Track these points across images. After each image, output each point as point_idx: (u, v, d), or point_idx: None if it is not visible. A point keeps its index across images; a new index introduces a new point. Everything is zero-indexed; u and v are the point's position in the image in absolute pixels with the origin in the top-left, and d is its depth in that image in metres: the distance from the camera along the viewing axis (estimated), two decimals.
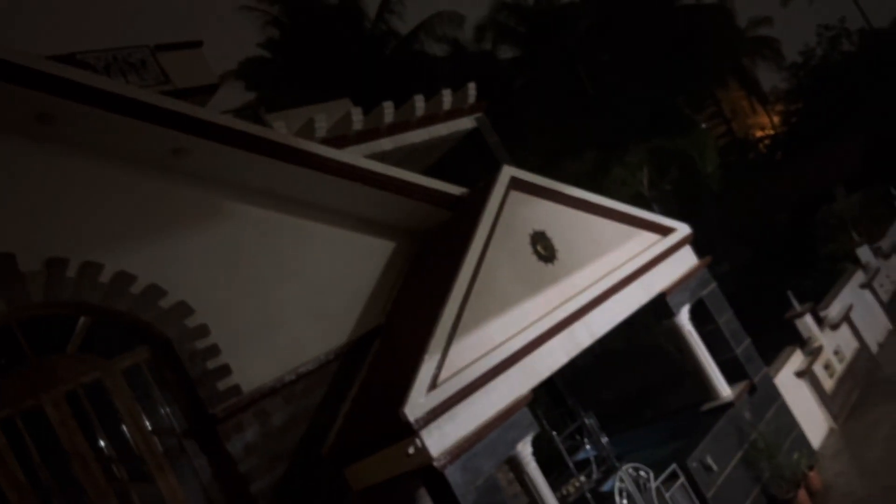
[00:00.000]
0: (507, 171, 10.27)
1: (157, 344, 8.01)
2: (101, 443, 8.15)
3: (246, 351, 8.28)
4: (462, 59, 31.53)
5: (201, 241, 8.49)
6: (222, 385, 7.97)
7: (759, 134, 46.85)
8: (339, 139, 11.55)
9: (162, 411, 8.44)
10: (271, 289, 8.81)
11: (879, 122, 31.33)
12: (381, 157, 11.82)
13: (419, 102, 13.34)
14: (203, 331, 8.06)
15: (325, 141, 10.76)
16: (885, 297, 17.63)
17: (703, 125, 37.85)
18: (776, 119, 45.37)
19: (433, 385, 7.69)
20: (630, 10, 35.40)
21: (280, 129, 10.35)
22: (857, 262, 18.04)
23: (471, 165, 14.91)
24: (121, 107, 7.58)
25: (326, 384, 8.79)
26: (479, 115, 14.91)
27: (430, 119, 13.69)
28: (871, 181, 27.48)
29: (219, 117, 8.44)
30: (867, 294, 17.09)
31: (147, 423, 8.14)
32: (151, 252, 8.05)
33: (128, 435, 7.97)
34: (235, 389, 8.03)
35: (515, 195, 10.18)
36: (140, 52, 11.19)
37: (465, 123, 14.59)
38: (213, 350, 8.05)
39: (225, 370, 8.04)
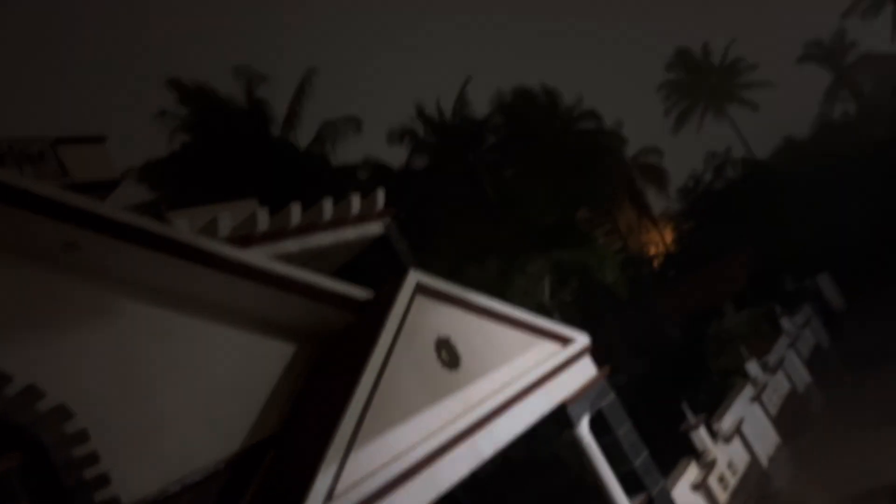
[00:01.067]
0: (414, 276, 10.30)
1: (30, 450, 7.38)
2: None
3: (128, 459, 7.73)
4: (372, 166, 32.08)
5: (88, 339, 8.02)
6: (99, 496, 7.37)
7: (652, 251, 49.13)
8: (244, 239, 11.34)
9: None
10: (160, 391, 8.34)
11: (763, 245, 33.48)
12: (287, 258, 11.64)
13: (327, 206, 13.35)
14: (82, 436, 7.49)
15: (229, 241, 10.54)
16: (773, 411, 18.29)
17: (601, 241, 39.43)
18: (669, 238, 47.82)
19: (329, 497, 7.36)
20: (534, 130, 37.23)
21: (182, 226, 10.09)
22: (746, 377, 18.76)
23: (378, 270, 14.87)
24: (5, 196, 7.24)
25: (215, 497, 8.27)
26: (387, 220, 15.03)
27: (338, 223, 13.69)
28: (756, 299, 29.03)
29: (115, 212, 8.17)
30: (757, 408, 17.71)
31: None
32: (32, 351, 7.53)
33: None
34: (114, 501, 7.44)
35: (421, 300, 10.19)
36: (39, 143, 10.83)
37: (374, 228, 14.65)
38: (92, 458, 7.48)
39: (103, 480, 7.46)
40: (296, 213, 12.55)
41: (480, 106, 36.60)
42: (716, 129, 55.54)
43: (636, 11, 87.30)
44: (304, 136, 29.36)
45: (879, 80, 56.77)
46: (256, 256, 9.52)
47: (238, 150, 26.76)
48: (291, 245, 12.28)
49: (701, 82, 55.96)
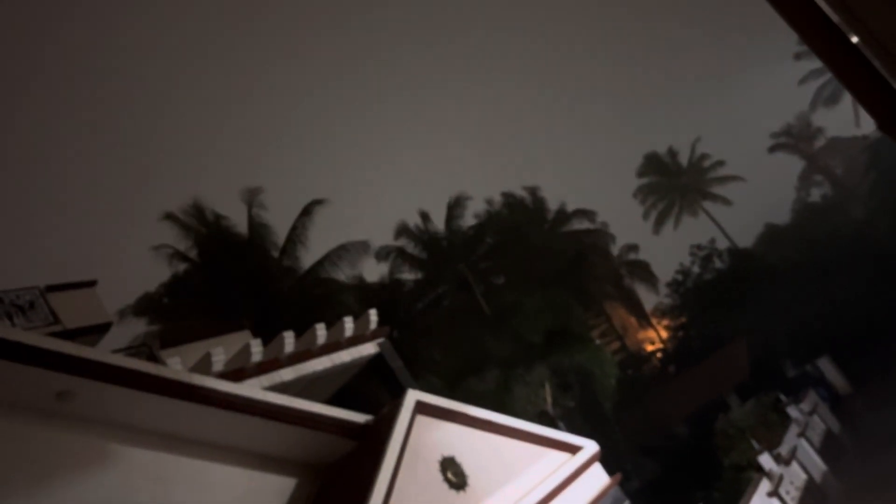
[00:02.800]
0: (412, 395, 10.13)
1: None
2: None
3: None
4: (364, 286, 32.20)
5: (84, 490, 7.77)
6: None
7: (650, 348, 48.82)
8: (238, 372, 11.22)
9: None
10: None
11: (759, 333, 33.36)
12: (282, 387, 11.49)
13: (320, 331, 13.30)
14: None
15: (223, 375, 10.43)
16: None
17: (597, 341, 39.25)
18: (664, 333, 47.64)
19: None
20: (523, 235, 37.83)
21: (175, 365, 10.00)
22: (760, 470, 18.26)
23: (376, 390, 14.68)
24: None
25: None
26: (381, 340, 14.94)
27: (331, 347, 13.60)
28: (759, 388, 28.66)
29: (107, 356, 8.09)
30: (776, 502, 17.15)
31: None
32: None
33: None
34: None
35: (422, 419, 9.98)
36: (30, 293, 10.86)
37: (368, 349, 14.55)
38: None
39: None
40: (289, 340, 12.49)
41: (467, 217, 37.25)
42: (698, 222, 56.48)
43: (606, 117, 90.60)
44: (304, 259, 29.50)
45: (850, 163, 58.38)
46: (251, 389, 9.37)
47: (236, 277, 26.83)
48: (286, 374, 12.15)
49: (673, 183, 57.30)
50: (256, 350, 11.90)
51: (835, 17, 2.63)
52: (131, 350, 10.56)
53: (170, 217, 27.46)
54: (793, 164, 65.95)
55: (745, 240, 51.32)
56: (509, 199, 41.18)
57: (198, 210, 27.95)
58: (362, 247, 29.77)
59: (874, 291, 31.08)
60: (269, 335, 12.82)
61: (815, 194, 61.36)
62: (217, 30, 77.74)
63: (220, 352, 11.33)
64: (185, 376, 8.74)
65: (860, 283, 31.71)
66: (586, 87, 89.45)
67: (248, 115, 79.35)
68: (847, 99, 54.31)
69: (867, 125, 51.79)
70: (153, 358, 10.05)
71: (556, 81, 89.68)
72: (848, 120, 57.96)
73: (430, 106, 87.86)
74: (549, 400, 26.37)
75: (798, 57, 56.28)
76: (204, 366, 10.97)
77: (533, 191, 42.66)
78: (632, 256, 46.52)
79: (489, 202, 40.19)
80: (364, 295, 30.51)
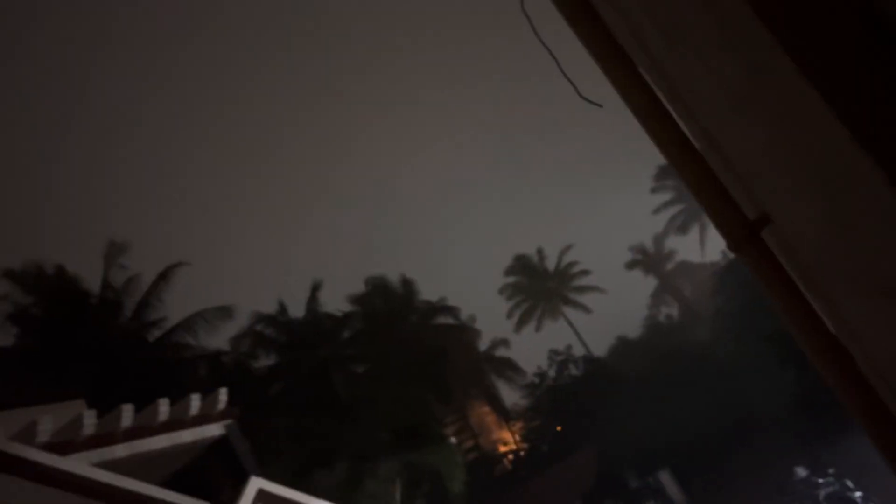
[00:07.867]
0: (255, 483, 9.64)
1: None
2: None
3: None
4: (217, 363, 30.75)
5: None
6: None
7: (503, 449, 49.04)
8: (65, 444, 10.30)
9: None
10: None
11: (607, 442, 34.31)
12: (113, 464, 10.63)
13: (163, 406, 12.51)
14: None
15: (49, 446, 9.54)
16: None
17: (453, 439, 39.05)
18: (518, 435, 48.13)
19: None
20: (388, 323, 37.64)
21: None
22: None
23: (219, 475, 13.87)
24: None
25: None
26: (229, 421, 14.21)
27: (174, 424, 12.78)
28: (604, 496, 29.24)
29: None
30: None
31: None
32: None
33: None
34: None
35: None
36: None
37: (214, 430, 13.77)
38: None
39: None
40: (127, 414, 11.66)
41: (335, 302, 36.73)
42: (559, 327, 58.37)
43: (482, 215, 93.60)
44: (156, 326, 27.82)
45: (698, 286, 62.49)
46: (75, 464, 8.61)
47: (78, 340, 24.93)
48: (120, 450, 11.28)
49: (538, 286, 59.28)
50: (89, 422, 11.01)
51: (697, 144, 2.80)
52: None
53: (8, 275, 25.39)
54: (647, 283, 69.89)
55: (600, 349, 53.36)
56: (380, 288, 41.06)
57: (38, 266, 26.03)
58: (221, 313, 28.60)
59: (713, 411, 32.76)
60: (108, 407, 11.92)
61: (665, 313, 65.04)
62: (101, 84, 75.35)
63: (49, 420, 10.40)
64: (2, 444, 7.94)
65: (700, 402, 33.37)
66: (472, 183, 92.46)
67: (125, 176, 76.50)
68: (696, 227, 58.75)
69: (711, 253, 56.13)
70: None
71: (437, 174, 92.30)
72: (695, 248, 62.42)
73: (302, 186, 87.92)
74: (399, 497, 25.80)
75: (654, 190, 60.57)
76: (28, 434, 10.01)
77: (404, 281, 42.81)
78: (500, 353, 47.00)
79: (364, 285, 39.95)
80: (215, 371, 29.16)
